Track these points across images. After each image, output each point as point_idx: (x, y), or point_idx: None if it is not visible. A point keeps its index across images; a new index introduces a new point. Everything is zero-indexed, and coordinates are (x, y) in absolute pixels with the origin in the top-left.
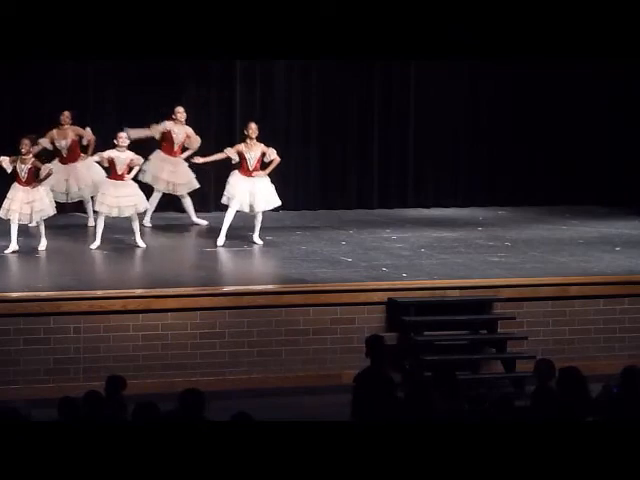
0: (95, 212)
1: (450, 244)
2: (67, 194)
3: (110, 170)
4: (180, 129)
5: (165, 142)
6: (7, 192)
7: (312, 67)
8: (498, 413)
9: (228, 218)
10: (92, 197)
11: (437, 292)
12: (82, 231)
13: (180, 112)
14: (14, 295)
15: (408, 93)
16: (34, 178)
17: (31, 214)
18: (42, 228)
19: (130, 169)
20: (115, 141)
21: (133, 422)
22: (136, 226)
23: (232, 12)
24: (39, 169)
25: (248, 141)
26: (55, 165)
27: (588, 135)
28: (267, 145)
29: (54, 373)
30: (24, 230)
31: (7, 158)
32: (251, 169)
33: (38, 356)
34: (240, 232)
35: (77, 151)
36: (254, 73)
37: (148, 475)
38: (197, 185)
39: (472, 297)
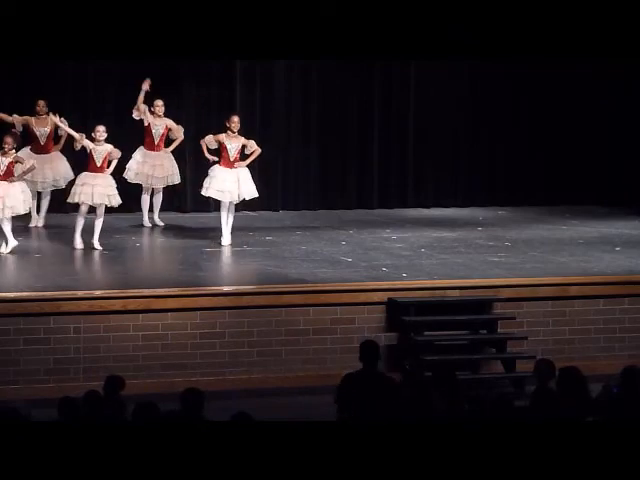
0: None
1: (450, 244)
2: (43, 182)
3: (89, 163)
4: (160, 122)
5: (146, 137)
6: None
7: (312, 67)
8: (498, 413)
9: (225, 214)
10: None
11: (437, 292)
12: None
13: (159, 105)
14: (14, 295)
15: (408, 93)
16: (13, 173)
17: (3, 209)
18: (8, 227)
19: (109, 163)
20: (93, 134)
21: (133, 422)
22: (99, 225)
23: (232, 12)
24: (21, 164)
25: (229, 132)
26: (27, 153)
27: (588, 135)
28: (247, 138)
29: (54, 373)
30: (24, 230)
31: None
32: (232, 160)
33: (38, 356)
34: (240, 232)
35: (52, 141)
36: (254, 73)
37: (148, 475)
38: (177, 181)
39: (472, 297)
